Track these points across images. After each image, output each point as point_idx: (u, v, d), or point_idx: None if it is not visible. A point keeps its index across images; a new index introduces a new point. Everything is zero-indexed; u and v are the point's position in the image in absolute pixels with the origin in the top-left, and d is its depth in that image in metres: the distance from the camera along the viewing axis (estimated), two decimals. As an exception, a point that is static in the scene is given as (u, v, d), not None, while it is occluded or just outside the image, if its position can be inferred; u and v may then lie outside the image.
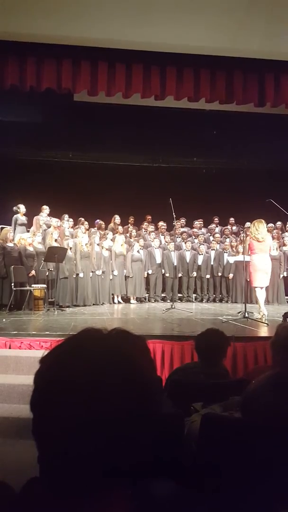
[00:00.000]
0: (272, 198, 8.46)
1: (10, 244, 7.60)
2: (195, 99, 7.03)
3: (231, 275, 9.68)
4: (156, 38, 6.24)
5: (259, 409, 1.56)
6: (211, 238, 10.40)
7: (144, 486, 0.67)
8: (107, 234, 9.26)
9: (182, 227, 10.54)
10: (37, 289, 7.31)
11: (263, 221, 6.47)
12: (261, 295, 6.37)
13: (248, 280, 6.91)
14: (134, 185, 10.68)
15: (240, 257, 8.17)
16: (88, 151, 11.00)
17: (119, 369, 0.59)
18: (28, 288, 7.26)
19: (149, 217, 10.63)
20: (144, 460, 0.61)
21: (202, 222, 10.81)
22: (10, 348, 4.42)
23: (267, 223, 10.19)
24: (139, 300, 9.38)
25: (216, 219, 11.05)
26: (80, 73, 6.55)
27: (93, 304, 8.35)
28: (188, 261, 9.83)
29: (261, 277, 6.31)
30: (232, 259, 8.99)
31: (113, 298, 9.06)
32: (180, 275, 9.77)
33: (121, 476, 0.60)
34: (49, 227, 8.65)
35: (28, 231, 8.48)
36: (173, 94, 6.89)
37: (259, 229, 6.28)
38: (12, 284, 6.97)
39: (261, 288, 6.37)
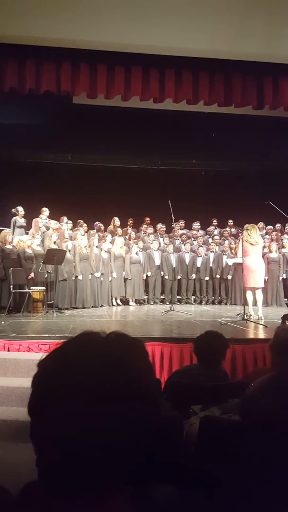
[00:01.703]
0: (270, 200, 8.49)
1: (9, 246, 7.60)
2: (194, 101, 7.04)
3: (229, 276, 9.68)
4: (155, 41, 6.25)
5: (258, 411, 1.56)
6: (210, 240, 10.40)
7: (143, 489, 0.67)
8: (106, 236, 9.27)
9: (181, 229, 10.54)
10: (36, 291, 7.30)
11: (256, 226, 6.98)
12: (250, 297, 6.73)
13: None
14: (133, 187, 10.69)
15: (239, 259, 8.17)
16: (87, 153, 11.01)
17: (117, 373, 0.59)
18: (27, 290, 7.26)
19: (148, 219, 10.63)
20: (143, 463, 0.60)
21: (199, 224, 10.79)
22: (9, 350, 4.42)
23: (266, 225, 10.30)
24: (138, 302, 9.37)
25: (215, 221, 11.05)
26: (79, 75, 6.55)
27: (92, 306, 8.33)
28: (187, 263, 9.82)
29: (254, 278, 6.61)
30: (231, 261, 9.00)
31: (112, 300, 9.05)
32: (179, 277, 9.76)
33: (120, 479, 0.60)
34: (48, 229, 8.65)
35: (27, 233, 8.48)
36: (172, 97, 6.89)
37: (251, 234, 6.62)
38: (11, 286, 6.96)
39: (257, 289, 6.65)
